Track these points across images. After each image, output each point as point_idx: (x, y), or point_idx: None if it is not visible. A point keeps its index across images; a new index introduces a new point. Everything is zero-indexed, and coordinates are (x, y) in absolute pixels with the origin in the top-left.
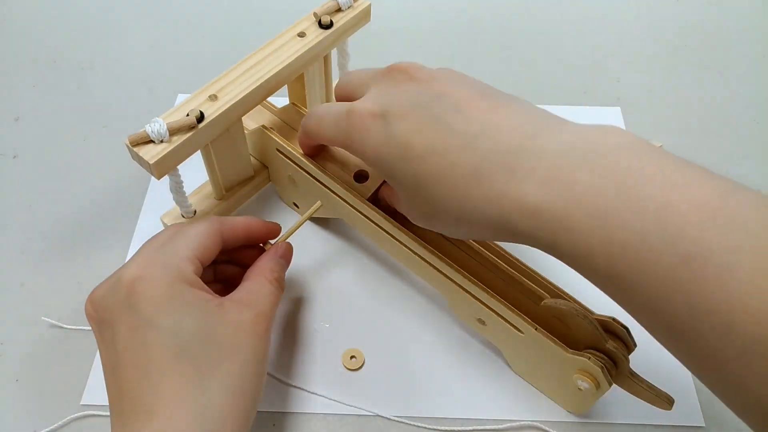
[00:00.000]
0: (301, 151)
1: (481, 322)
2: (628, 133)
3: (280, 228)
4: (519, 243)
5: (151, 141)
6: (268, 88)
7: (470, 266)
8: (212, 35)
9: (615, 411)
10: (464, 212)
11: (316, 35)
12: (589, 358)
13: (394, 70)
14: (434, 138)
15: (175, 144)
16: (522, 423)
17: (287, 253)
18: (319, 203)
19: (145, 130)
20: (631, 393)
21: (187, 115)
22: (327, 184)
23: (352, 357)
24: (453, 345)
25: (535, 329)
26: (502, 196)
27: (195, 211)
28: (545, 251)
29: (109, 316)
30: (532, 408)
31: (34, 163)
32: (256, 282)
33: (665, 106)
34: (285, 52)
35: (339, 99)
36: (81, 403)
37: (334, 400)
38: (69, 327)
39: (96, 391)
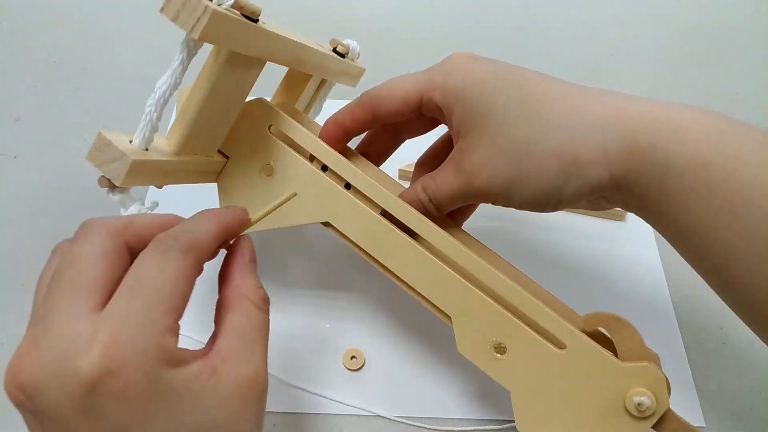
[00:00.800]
0: (311, 133)
1: (499, 349)
2: None
3: (248, 214)
4: (620, 183)
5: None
6: (301, 56)
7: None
8: None
9: None
10: (580, 129)
11: (333, 54)
12: (649, 363)
13: (455, 55)
14: (546, 77)
15: (236, 16)
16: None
17: (253, 253)
18: (292, 193)
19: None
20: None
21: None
22: (345, 175)
23: (352, 357)
24: (453, 345)
25: (585, 335)
26: (624, 109)
27: (146, 149)
28: (648, 179)
29: (57, 418)
30: None
31: (34, 163)
32: (242, 314)
33: None
34: (308, 42)
35: (360, 115)
36: None
37: (335, 400)
38: None
39: None
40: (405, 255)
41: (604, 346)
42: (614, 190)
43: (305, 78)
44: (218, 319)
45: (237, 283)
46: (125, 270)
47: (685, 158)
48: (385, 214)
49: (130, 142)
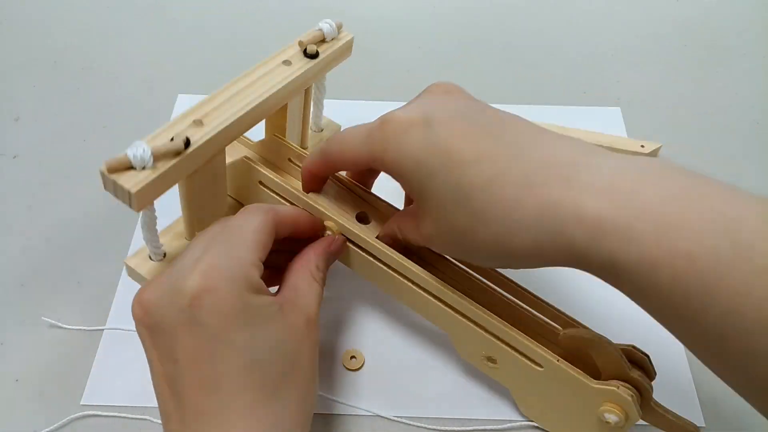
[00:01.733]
0: (289, 183)
1: (491, 360)
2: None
3: (323, 223)
4: (564, 265)
5: (132, 168)
6: (255, 115)
7: (477, 300)
8: (212, 35)
9: None
10: (511, 225)
11: (302, 64)
12: (618, 388)
13: (432, 86)
14: (482, 145)
15: (160, 171)
16: (522, 423)
17: (340, 251)
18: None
19: (125, 155)
20: (654, 424)
21: (172, 139)
22: (329, 217)
23: (352, 357)
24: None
25: (557, 361)
26: (557, 205)
27: (165, 254)
28: (595, 271)
29: (167, 325)
30: None
31: (34, 163)
32: (302, 279)
33: (665, 106)
34: (271, 79)
35: (322, 167)
36: (81, 403)
37: (334, 400)
38: (69, 327)
39: (96, 391)
40: (395, 286)
41: (584, 357)
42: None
43: (282, 107)
44: (285, 277)
45: (307, 258)
46: (272, 240)
47: (631, 261)
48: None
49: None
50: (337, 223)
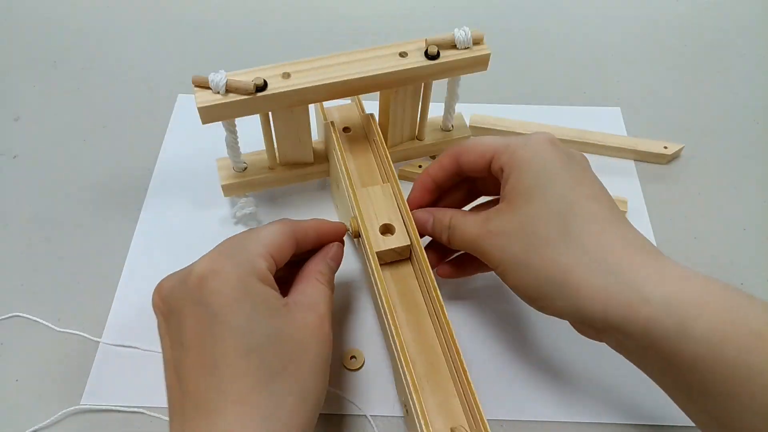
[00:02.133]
0: (343, 155)
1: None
2: None
3: (347, 229)
4: (612, 325)
5: (210, 89)
6: (342, 89)
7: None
8: (212, 35)
9: (613, 411)
10: (590, 264)
11: (417, 61)
12: None
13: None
14: (601, 195)
15: (227, 100)
16: (518, 421)
17: (337, 256)
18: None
19: (208, 76)
20: None
21: (252, 81)
22: (350, 200)
23: (351, 357)
24: None
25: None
26: (656, 275)
27: (245, 168)
28: (654, 342)
29: (177, 308)
30: (531, 408)
31: (34, 163)
32: (310, 284)
33: (665, 106)
34: (378, 63)
35: (449, 164)
36: (81, 403)
37: (335, 398)
38: (63, 330)
39: (96, 391)
40: (369, 277)
41: None
42: (607, 329)
43: (387, 93)
44: (297, 282)
45: (311, 267)
46: (291, 247)
47: (704, 328)
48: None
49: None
50: (359, 222)
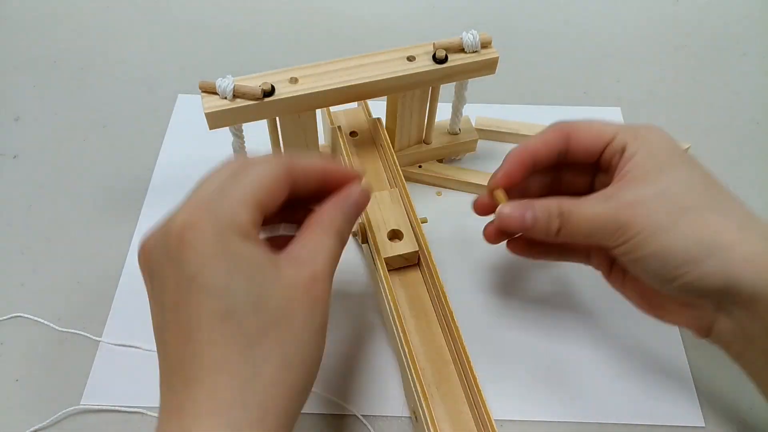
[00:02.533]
0: (350, 159)
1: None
2: None
3: (362, 176)
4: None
5: (217, 94)
6: (350, 94)
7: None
8: (212, 35)
9: (614, 411)
10: (746, 226)
11: (425, 65)
12: None
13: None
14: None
15: (234, 106)
16: (518, 421)
17: (359, 204)
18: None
19: (215, 82)
20: None
21: (260, 86)
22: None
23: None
24: None
25: None
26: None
27: None
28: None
29: (158, 267)
30: (531, 408)
31: (34, 163)
32: (313, 234)
33: (665, 106)
34: (386, 67)
35: (555, 139)
36: (81, 403)
37: (336, 398)
38: (63, 330)
39: (96, 391)
40: (376, 283)
41: None
42: (745, 303)
43: (394, 97)
44: (300, 232)
45: (321, 213)
46: (284, 191)
47: None
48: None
49: None
50: (366, 228)
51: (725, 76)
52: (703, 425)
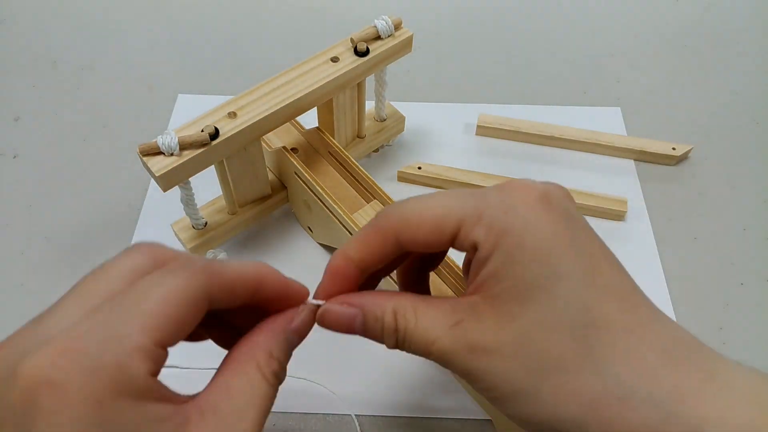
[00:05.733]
0: (315, 178)
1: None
2: None
3: (308, 293)
4: None
5: (162, 152)
6: (291, 111)
7: None
8: (212, 35)
9: None
10: (633, 398)
11: (350, 61)
12: None
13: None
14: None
15: (185, 159)
16: None
17: (304, 328)
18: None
19: (156, 141)
20: None
21: (202, 130)
22: (341, 221)
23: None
24: None
25: None
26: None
27: (206, 223)
28: None
29: None
30: None
31: (34, 163)
32: (243, 375)
33: (665, 106)
34: (315, 75)
35: (374, 243)
36: None
37: (337, 395)
38: None
39: None
40: None
41: None
42: None
43: (326, 102)
44: (218, 372)
45: (256, 342)
46: (199, 314)
47: None
48: None
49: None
50: (348, 223)
51: (725, 76)
52: None
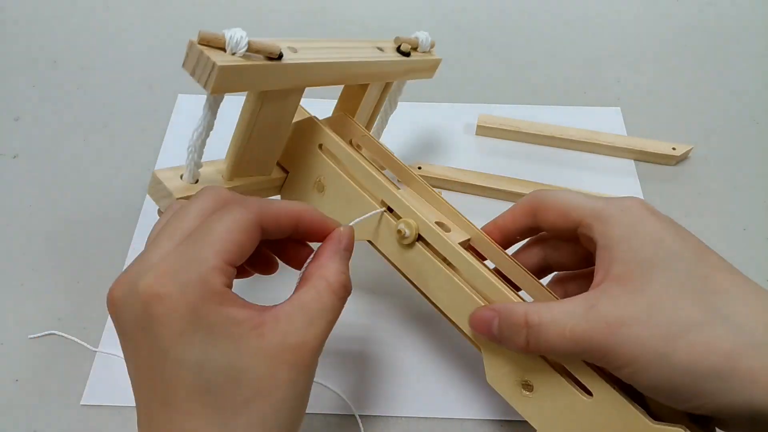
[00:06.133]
0: (347, 146)
1: (526, 386)
2: None
3: (338, 225)
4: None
5: (223, 50)
6: (343, 73)
7: None
8: None
9: None
10: (758, 341)
11: (395, 55)
12: (683, 428)
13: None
14: (722, 261)
15: (250, 62)
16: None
17: (351, 243)
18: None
19: (222, 33)
20: None
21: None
22: (379, 193)
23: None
24: (454, 345)
25: (614, 389)
26: None
27: (198, 180)
28: None
29: (129, 330)
30: None
31: (34, 163)
32: (316, 291)
33: (665, 106)
34: (366, 52)
35: (525, 213)
36: (81, 403)
37: (337, 393)
38: (63, 335)
39: (96, 391)
40: (438, 281)
41: (635, 398)
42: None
43: (361, 88)
44: (299, 286)
45: (321, 263)
46: (255, 241)
47: None
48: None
49: (182, 177)
50: (418, 220)
51: (725, 76)
52: None
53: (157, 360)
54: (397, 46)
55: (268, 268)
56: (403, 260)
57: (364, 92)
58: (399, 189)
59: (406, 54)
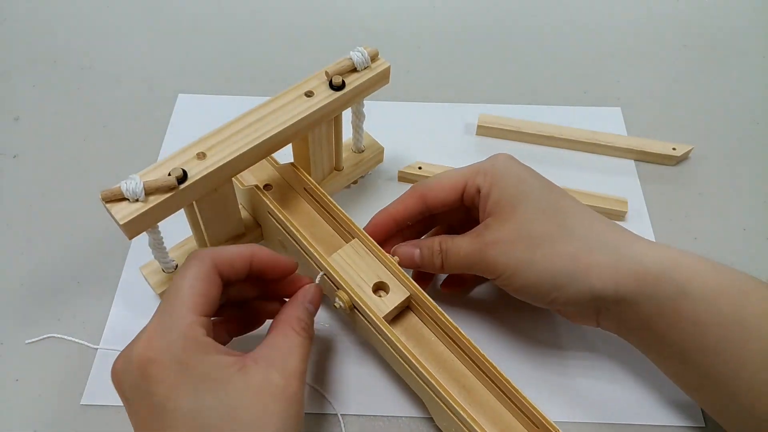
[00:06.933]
0: (289, 219)
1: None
2: None
3: (296, 264)
4: (618, 298)
5: (126, 199)
6: (264, 150)
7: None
8: (212, 35)
9: (614, 411)
10: (594, 247)
11: (325, 96)
12: None
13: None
14: (570, 198)
15: (151, 205)
16: None
17: (315, 299)
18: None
19: (119, 187)
20: None
21: (169, 174)
22: (317, 264)
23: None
24: None
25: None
26: (635, 242)
27: (176, 266)
28: (662, 299)
29: (129, 393)
30: None
31: (34, 163)
32: (282, 334)
33: (665, 106)
34: (288, 111)
35: (413, 203)
36: (81, 403)
37: (323, 393)
38: (62, 336)
39: (96, 391)
40: (376, 342)
41: None
42: (614, 304)
43: (303, 138)
44: (268, 334)
45: (287, 314)
46: (218, 287)
47: (700, 287)
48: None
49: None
50: (350, 294)
51: (725, 76)
52: (704, 425)
53: (157, 415)
54: (329, 80)
55: (255, 323)
56: (352, 318)
57: (307, 139)
58: (345, 245)
59: (339, 87)
